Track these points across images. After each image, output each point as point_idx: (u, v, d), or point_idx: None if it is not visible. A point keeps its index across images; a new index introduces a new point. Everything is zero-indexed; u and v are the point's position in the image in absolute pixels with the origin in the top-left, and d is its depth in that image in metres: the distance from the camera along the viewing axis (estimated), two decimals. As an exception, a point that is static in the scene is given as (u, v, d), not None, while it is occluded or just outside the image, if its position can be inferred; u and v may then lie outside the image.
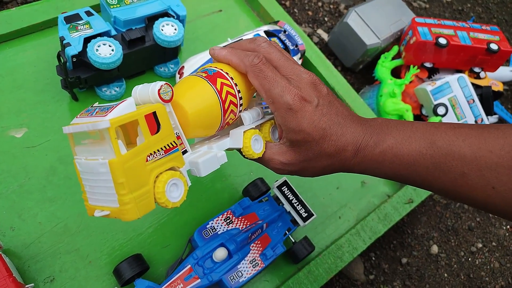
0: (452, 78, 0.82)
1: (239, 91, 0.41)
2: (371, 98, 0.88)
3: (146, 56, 0.69)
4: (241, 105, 0.42)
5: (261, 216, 0.61)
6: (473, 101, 0.82)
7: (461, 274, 0.77)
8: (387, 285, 0.72)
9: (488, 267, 0.80)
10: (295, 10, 1.03)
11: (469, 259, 0.80)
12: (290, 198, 0.62)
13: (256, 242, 0.59)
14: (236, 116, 0.42)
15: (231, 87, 0.40)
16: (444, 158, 0.36)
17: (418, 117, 0.89)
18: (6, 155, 0.61)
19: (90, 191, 0.35)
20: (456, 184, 0.36)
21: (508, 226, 0.87)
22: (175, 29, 0.67)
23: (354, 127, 0.40)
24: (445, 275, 0.76)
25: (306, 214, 0.61)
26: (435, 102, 0.81)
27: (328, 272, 0.63)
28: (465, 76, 0.82)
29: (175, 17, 0.70)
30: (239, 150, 0.43)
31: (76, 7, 0.73)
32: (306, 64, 0.83)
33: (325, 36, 1.00)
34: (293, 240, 0.63)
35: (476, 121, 0.83)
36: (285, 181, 0.63)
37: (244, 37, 0.76)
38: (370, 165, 0.40)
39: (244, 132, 0.41)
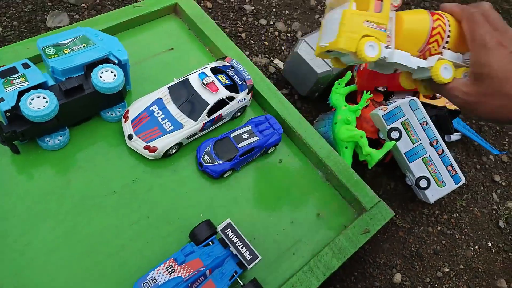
0: (403, 102, 0.81)
1: (449, 31, 0.49)
2: (326, 126, 0.88)
3: (87, 103, 0.69)
4: (446, 42, 0.50)
5: (206, 262, 0.59)
6: (426, 123, 0.82)
7: (428, 303, 0.75)
8: (349, 321, 0.70)
9: (456, 292, 0.78)
10: (252, 41, 1.04)
11: (436, 285, 0.78)
12: (234, 241, 0.61)
13: None
14: (439, 49, 0.50)
15: (444, 24, 0.49)
16: None
17: (377, 141, 0.88)
18: None
19: (323, 34, 0.51)
20: None
21: (476, 247, 0.85)
22: (115, 75, 0.67)
23: None
24: (411, 304, 0.74)
25: (251, 256, 0.60)
26: (388, 127, 0.81)
27: (279, 314, 0.61)
28: (415, 99, 0.82)
29: (116, 62, 0.70)
30: (428, 77, 0.51)
31: (19, 58, 0.73)
32: (259, 96, 0.83)
33: (281, 65, 1.01)
34: (241, 283, 0.61)
35: (431, 143, 0.82)
36: (229, 223, 0.62)
37: (189, 76, 0.76)
38: None
39: (439, 59, 0.49)
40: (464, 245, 0.85)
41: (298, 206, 0.74)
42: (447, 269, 0.80)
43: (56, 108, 0.62)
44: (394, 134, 0.81)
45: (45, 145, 0.68)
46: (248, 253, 0.60)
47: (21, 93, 0.62)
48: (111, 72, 0.68)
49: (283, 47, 1.05)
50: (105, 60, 0.69)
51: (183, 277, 0.56)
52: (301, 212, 0.73)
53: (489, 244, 0.86)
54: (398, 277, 0.76)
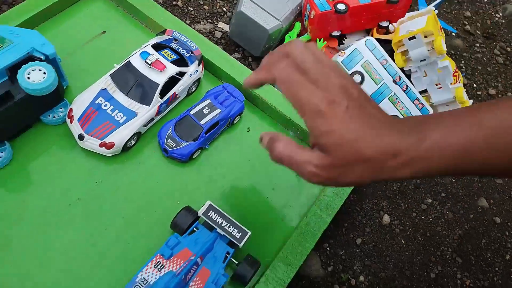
0: (359, 44, 0.78)
1: None
2: (288, 83, 0.84)
3: (22, 110, 0.61)
4: None
5: (195, 249, 0.56)
6: (386, 61, 0.79)
7: (418, 236, 0.76)
8: (348, 272, 0.70)
9: (442, 220, 0.79)
10: (190, 7, 0.96)
11: (422, 217, 0.79)
12: (219, 222, 0.57)
13: (194, 280, 0.54)
14: None
15: None
16: (497, 136, 0.34)
17: (340, 88, 0.85)
18: None
19: (405, 27, 0.76)
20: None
21: (452, 172, 0.87)
22: (44, 73, 0.59)
23: (391, 128, 0.37)
24: (403, 241, 0.75)
25: (240, 233, 0.57)
26: (350, 72, 0.78)
27: (281, 284, 0.59)
28: (371, 38, 0.79)
29: (43, 59, 0.62)
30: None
31: None
32: (209, 66, 0.77)
33: (227, 28, 0.94)
34: (236, 262, 0.58)
35: (394, 81, 0.80)
36: (210, 205, 0.58)
37: (131, 58, 0.68)
38: (417, 166, 0.36)
39: None
40: (441, 173, 0.86)
41: (276, 172, 0.71)
42: (430, 200, 0.81)
43: (-16, 124, 0.54)
44: (357, 78, 0.79)
45: (-15, 167, 0.60)
46: (237, 231, 0.57)
47: None
48: (39, 70, 0.59)
49: (224, 9, 0.98)
50: (29, 59, 0.61)
51: (174, 271, 0.53)
52: (280, 177, 0.70)
53: (464, 167, 0.88)
54: (386, 218, 0.76)
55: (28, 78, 0.58)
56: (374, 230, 0.75)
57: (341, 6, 0.80)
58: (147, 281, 0.52)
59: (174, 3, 0.96)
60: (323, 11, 0.79)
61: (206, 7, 0.97)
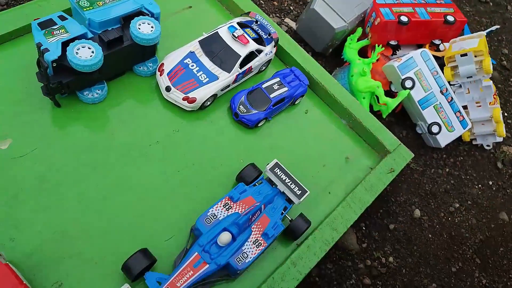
0: (415, 53, 0.87)
1: None
2: (343, 79, 0.93)
3: (125, 56, 0.69)
4: None
5: (258, 199, 0.63)
6: (437, 72, 0.88)
7: (444, 233, 0.83)
8: (379, 251, 0.77)
9: (467, 224, 0.86)
10: (261, 1, 1.06)
11: (449, 218, 0.86)
12: (283, 178, 0.65)
13: (256, 223, 0.61)
14: None
15: None
16: None
17: (388, 92, 0.94)
18: (-7, 167, 0.60)
19: (458, 46, 0.86)
20: None
21: (480, 185, 0.94)
22: (152, 27, 0.68)
23: None
24: (430, 235, 0.82)
25: (300, 191, 0.64)
26: (403, 77, 0.86)
27: (326, 244, 0.66)
28: (427, 50, 0.88)
29: (150, 15, 0.71)
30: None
31: (45, 13, 0.72)
32: (281, 51, 0.86)
33: (292, 24, 1.04)
34: (290, 218, 0.65)
35: (441, 91, 0.89)
36: (277, 163, 0.66)
37: (218, 30, 0.77)
38: None
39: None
40: (470, 184, 0.93)
41: (327, 151, 0.79)
42: (457, 205, 0.88)
43: (102, 58, 0.62)
44: (408, 83, 0.87)
45: (85, 98, 0.68)
46: (297, 188, 0.64)
47: (64, 44, 0.62)
48: (148, 24, 0.68)
49: (291, 7, 1.07)
50: (139, 13, 0.70)
51: (239, 212, 0.60)
52: (330, 156, 0.78)
53: (490, 183, 0.95)
54: (417, 213, 0.84)
55: (139, 28, 0.67)
56: (406, 220, 0.82)
57: (404, 18, 0.89)
58: (216, 216, 0.60)
59: (248, -6, 1.05)
60: (388, 19, 0.88)
61: (275, 2, 1.07)
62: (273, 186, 0.66)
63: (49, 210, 0.59)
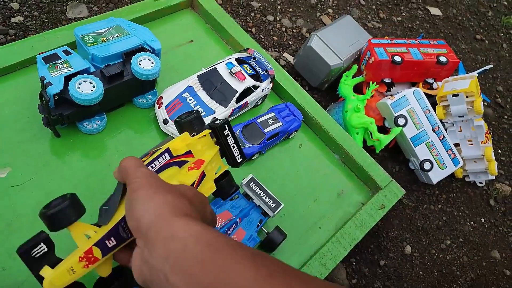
0: (408, 92, 0.90)
1: None
2: (337, 114, 0.95)
3: (125, 89, 0.72)
4: None
5: (234, 212, 0.65)
6: (429, 111, 0.90)
7: (435, 271, 0.83)
8: (369, 288, 0.77)
9: (458, 261, 0.86)
10: (261, 36, 1.09)
11: (440, 255, 0.86)
12: (258, 192, 0.67)
13: (232, 236, 0.62)
14: None
15: None
16: None
17: (382, 128, 0.96)
18: (-9, 195, 0.62)
19: (450, 86, 0.85)
20: None
21: (472, 222, 0.95)
22: (152, 63, 0.71)
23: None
24: (420, 272, 0.82)
25: (275, 204, 0.66)
26: (395, 114, 0.88)
27: (314, 280, 0.66)
28: (419, 89, 0.91)
29: (151, 51, 0.74)
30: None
31: (50, 46, 0.76)
32: (277, 86, 0.89)
33: (290, 59, 1.07)
34: (266, 231, 0.67)
35: (433, 129, 0.91)
36: (252, 177, 0.68)
37: (217, 66, 0.80)
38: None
39: None
40: (462, 221, 0.94)
41: (320, 186, 0.80)
42: (449, 242, 0.89)
43: (102, 92, 0.65)
44: (401, 121, 0.89)
45: (84, 129, 0.70)
46: (272, 201, 0.66)
47: (66, 78, 0.64)
48: (149, 60, 0.71)
49: (290, 42, 1.11)
50: (141, 49, 0.73)
51: (216, 226, 0.61)
52: (322, 191, 0.80)
53: (483, 220, 0.96)
54: (408, 249, 0.84)
55: (140, 64, 0.70)
56: (397, 256, 0.83)
57: (397, 58, 0.92)
58: None
59: (249, 29, 1.09)
60: (382, 59, 0.91)
61: (275, 37, 1.10)
62: (250, 200, 0.68)
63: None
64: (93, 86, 0.65)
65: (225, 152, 0.57)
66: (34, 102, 0.70)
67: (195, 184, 0.50)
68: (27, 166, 0.66)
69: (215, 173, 0.56)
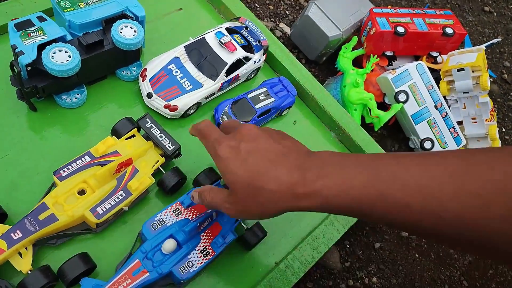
0: (410, 66, 0.84)
1: None
2: (335, 89, 0.90)
3: (106, 60, 0.67)
4: None
5: None
6: (432, 86, 0.85)
7: (432, 253, 0.81)
8: (363, 271, 0.74)
9: (455, 244, 0.84)
10: (256, 4, 1.03)
11: (438, 238, 0.83)
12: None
13: (206, 231, 0.58)
14: None
15: None
16: (388, 190, 0.35)
17: (381, 104, 0.91)
18: (-39, 173, 0.58)
19: (455, 60, 0.83)
20: (403, 215, 0.35)
21: (471, 203, 0.91)
22: (135, 31, 0.66)
23: (290, 162, 0.40)
24: (416, 255, 0.79)
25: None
26: (396, 90, 0.84)
27: (305, 265, 0.63)
28: (422, 63, 0.85)
29: (134, 19, 0.68)
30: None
31: (26, 13, 0.70)
32: (271, 59, 0.83)
33: (287, 29, 1.01)
34: (245, 227, 0.62)
35: (435, 106, 0.86)
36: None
37: (205, 36, 0.75)
38: (315, 200, 0.39)
39: None
40: (461, 202, 0.90)
41: (314, 165, 0.76)
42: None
43: (79, 63, 0.60)
44: (402, 97, 0.84)
45: (63, 103, 0.66)
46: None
47: (40, 47, 0.59)
48: (131, 28, 0.66)
49: (287, 12, 1.05)
50: (122, 16, 0.67)
51: (190, 219, 0.57)
52: (317, 170, 0.76)
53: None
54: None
55: (121, 32, 0.65)
56: (393, 239, 0.80)
57: (400, 29, 0.86)
58: (165, 222, 0.56)
59: (242, -3, 1.02)
60: (383, 30, 0.85)
61: (271, 6, 1.04)
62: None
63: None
64: (69, 56, 0.60)
65: (156, 144, 0.61)
66: (8, 73, 0.65)
67: (125, 178, 0.58)
68: (0, 142, 0.62)
69: (152, 167, 0.61)
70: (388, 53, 0.91)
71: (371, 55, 0.89)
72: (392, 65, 0.95)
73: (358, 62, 0.96)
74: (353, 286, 0.72)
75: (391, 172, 0.36)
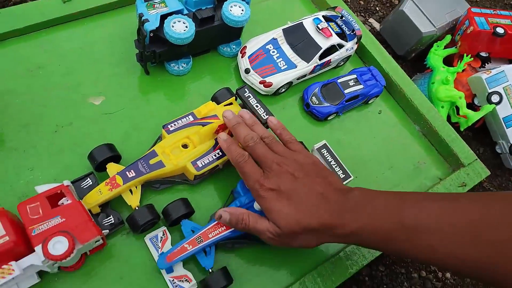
0: (508, 67, 0.82)
1: None
2: (422, 86, 0.90)
3: (213, 35, 0.73)
4: None
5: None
6: (530, 90, 0.82)
7: None
8: (436, 265, 0.73)
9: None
10: (347, -1, 1.05)
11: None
12: (329, 160, 0.64)
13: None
14: None
15: None
16: (412, 233, 0.42)
17: (470, 105, 0.89)
18: (86, 119, 0.67)
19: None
20: (426, 254, 0.42)
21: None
22: (242, 10, 0.71)
23: (331, 206, 0.48)
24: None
25: (344, 175, 0.64)
26: (490, 90, 0.81)
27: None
28: (522, 65, 0.82)
29: (242, -1, 0.74)
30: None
31: (148, -11, 0.78)
32: (361, 49, 0.85)
33: (376, 25, 1.02)
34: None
35: (531, 111, 0.82)
36: (325, 144, 0.66)
37: (303, 21, 0.79)
38: (351, 238, 0.48)
39: None
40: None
41: (396, 155, 0.77)
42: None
43: (194, 33, 0.67)
44: (495, 98, 0.82)
45: (171, 69, 0.73)
46: (341, 172, 0.64)
47: (162, 17, 0.67)
48: (239, 7, 0.72)
49: (377, 8, 1.06)
50: (232, -4, 0.74)
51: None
52: (399, 160, 0.76)
53: None
54: None
55: (230, 10, 0.71)
56: None
57: (500, 30, 0.84)
58: None
59: (335, -9, 1.05)
60: (482, 29, 0.83)
61: (361, 2, 1.06)
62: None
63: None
64: (186, 27, 0.66)
65: (252, 113, 0.64)
66: (128, 40, 0.73)
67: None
68: (118, 97, 0.70)
69: None
70: (483, 54, 0.88)
71: (464, 54, 0.88)
72: (484, 67, 0.92)
73: (447, 62, 0.95)
74: (425, 277, 0.72)
75: (414, 216, 0.44)
